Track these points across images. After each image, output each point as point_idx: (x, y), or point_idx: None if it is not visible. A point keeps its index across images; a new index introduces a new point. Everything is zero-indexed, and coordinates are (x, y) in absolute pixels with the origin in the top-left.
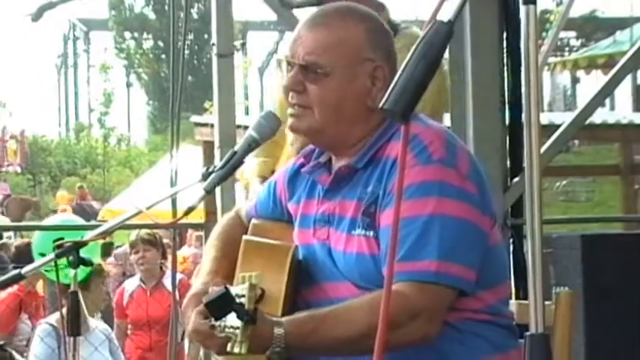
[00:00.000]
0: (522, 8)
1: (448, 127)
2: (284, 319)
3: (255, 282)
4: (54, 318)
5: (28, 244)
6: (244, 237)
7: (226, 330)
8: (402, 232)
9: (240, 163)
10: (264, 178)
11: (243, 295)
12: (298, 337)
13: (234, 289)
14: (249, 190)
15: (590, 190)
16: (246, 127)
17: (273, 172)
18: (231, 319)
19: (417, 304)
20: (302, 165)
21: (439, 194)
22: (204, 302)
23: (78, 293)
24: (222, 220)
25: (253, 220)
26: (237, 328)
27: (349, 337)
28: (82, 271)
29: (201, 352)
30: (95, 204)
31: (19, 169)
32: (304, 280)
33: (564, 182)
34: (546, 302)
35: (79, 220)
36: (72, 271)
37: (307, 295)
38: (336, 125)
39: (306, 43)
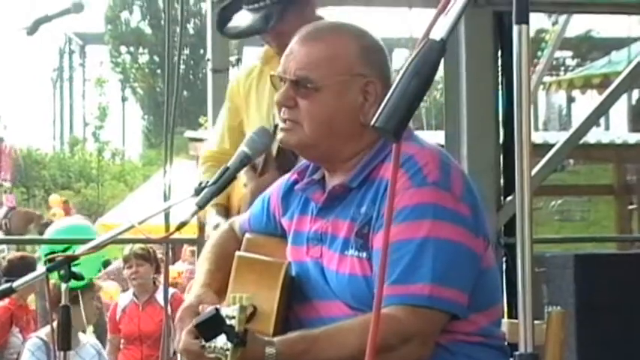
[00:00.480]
0: (515, 28)
1: (442, 146)
2: (276, 339)
3: (245, 304)
4: (44, 332)
5: (22, 258)
6: (237, 253)
7: (216, 351)
8: (396, 254)
9: (233, 178)
10: (221, 206)
11: (234, 317)
12: (290, 358)
13: (225, 310)
14: (206, 219)
15: (586, 209)
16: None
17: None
18: (221, 341)
19: (410, 328)
20: (296, 181)
21: (433, 217)
22: (194, 323)
23: (69, 307)
24: (216, 232)
25: (247, 235)
26: (227, 349)
27: (340, 358)
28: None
29: None
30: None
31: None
32: (297, 297)
33: (559, 201)
34: (538, 321)
35: (85, 223)
36: (63, 285)
37: (299, 312)
38: (327, 140)
39: (298, 58)
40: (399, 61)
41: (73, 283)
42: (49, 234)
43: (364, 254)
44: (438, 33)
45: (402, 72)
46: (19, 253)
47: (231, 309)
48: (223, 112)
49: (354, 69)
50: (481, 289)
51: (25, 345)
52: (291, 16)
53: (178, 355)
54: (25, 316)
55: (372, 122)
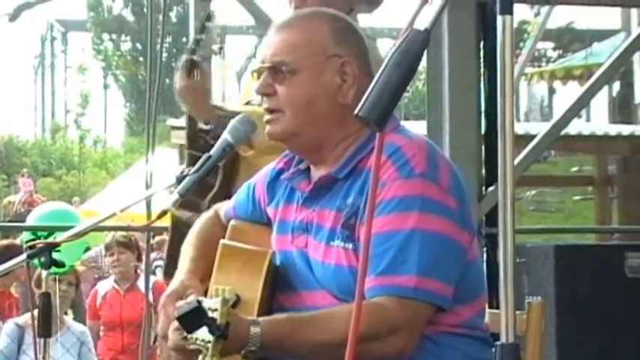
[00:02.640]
0: (499, 18)
1: (425, 136)
2: (261, 319)
3: (228, 296)
4: (23, 319)
5: (8, 246)
6: (222, 241)
7: (198, 343)
8: (383, 246)
9: (215, 167)
10: None
11: (216, 309)
12: (274, 338)
13: (207, 302)
14: None
15: (563, 200)
16: None
17: None
18: (203, 333)
19: (396, 319)
20: (281, 170)
21: (420, 209)
22: (175, 316)
23: (50, 295)
24: (201, 218)
25: (232, 222)
26: (209, 342)
27: (328, 343)
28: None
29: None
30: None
31: None
32: (281, 286)
33: (534, 192)
34: (518, 312)
35: (69, 208)
36: (44, 272)
37: (283, 301)
38: (310, 125)
39: (274, 46)
40: (383, 50)
41: (53, 269)
42: (31, 219)
43: (350, 245)
44: (422, 23)
45: (385, 62)
46: (6, 241)
47: (213, 301)
48: None
49: (329, 50)
50: (466, 281)
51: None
52: None
53: (158, 342)
54: (7, 302)
55: (356, 112)
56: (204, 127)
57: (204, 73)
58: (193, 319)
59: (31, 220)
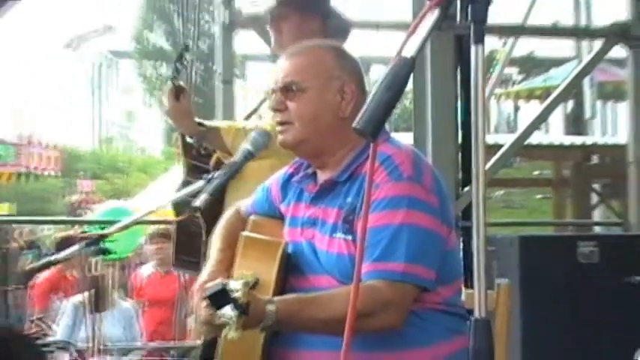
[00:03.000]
0: (472, 47)
1: (412, 145)
2: (275, 298)
3: (249, 280)
4: (79, 298)
5: (68, 237)
6: (243, 233)
7: (224, 318)
8: (377, 237)
9: (238, 171)
10: None
11: (239, 290)
12: (286, 315)
13: (231, 284)
14: None
15: (526, 199)
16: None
17: None
18: (228, 310)
19: (388, 298)
20: (292, 174)
21: (408, 207)
22: (205, 295)
23: (101, 277)
24: (226, 215)
25: (251, 217)
26: (233, 317)
27: (329, 319)
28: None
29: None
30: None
31: (52, 173)
32: (292, 271)
33: (502, 192)
34: (489, 291)
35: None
36: (95, 259)
37: (294, 283)
38: (316, 134)
39: (285, 69)
40: (376, 74)
41: (103, 256)
42: (96, 214)
43: (350, 237)
44: (409, 51)
45: (378, 84)
46: (66, 233)
47: (236, 283)
48: None
49: (331, 72)
50: (446, 266)
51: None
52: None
53: (190, 318)
54: (66, 285)
55: (354, 125)
56: (189, 140)
57: (188, 96)
58: (220, 298)
59: (96, 215)
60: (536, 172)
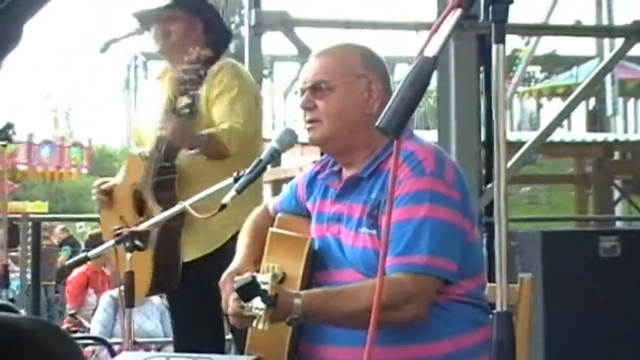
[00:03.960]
0: (494, 47)
1: (436, 143)
2: (302, 292)
3: (277, 272)
4: (115, 292)
5: (99, 234)
6: (271, 229)
7: (253, 310)
8: (400, 231)
9: (265, 168)
10: None
11: (267, 283)
12: (312, 308)
13: (260, 277)
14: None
15: (549, 195)
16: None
17: None
18: (257, 302)
19: (411, 290)
20: (317, 172)
21: (430, 201)
22: (234, 288)
23: (132, 273)
24: (254, 212)
25: (279, 214)
26: (262, 309)
27: (354, 312)
28: None
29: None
30: None
31: (85, 171)
32: (318, 266)
33: (528, 188)
34: (512, 285)
35: None
36: (128, 255)
37: (320, 278)
38: (343, 131)
39: (314, 69)
40: (400, 74)
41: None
42: None
43: (374, 231)
44: (431, 51)
45: (401, 82)
46: (98, 230)
47: (265, 276)
48: None
49: (358, 71)
50: (468, 259)
51: (99, 302)
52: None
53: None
54: (100, 280)
55: (377, 123)
56: (190, 152)
57: (194, 113)
58: (249, 290)
59: None
60: (558, 169)
